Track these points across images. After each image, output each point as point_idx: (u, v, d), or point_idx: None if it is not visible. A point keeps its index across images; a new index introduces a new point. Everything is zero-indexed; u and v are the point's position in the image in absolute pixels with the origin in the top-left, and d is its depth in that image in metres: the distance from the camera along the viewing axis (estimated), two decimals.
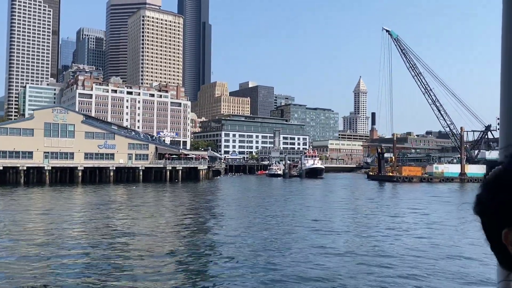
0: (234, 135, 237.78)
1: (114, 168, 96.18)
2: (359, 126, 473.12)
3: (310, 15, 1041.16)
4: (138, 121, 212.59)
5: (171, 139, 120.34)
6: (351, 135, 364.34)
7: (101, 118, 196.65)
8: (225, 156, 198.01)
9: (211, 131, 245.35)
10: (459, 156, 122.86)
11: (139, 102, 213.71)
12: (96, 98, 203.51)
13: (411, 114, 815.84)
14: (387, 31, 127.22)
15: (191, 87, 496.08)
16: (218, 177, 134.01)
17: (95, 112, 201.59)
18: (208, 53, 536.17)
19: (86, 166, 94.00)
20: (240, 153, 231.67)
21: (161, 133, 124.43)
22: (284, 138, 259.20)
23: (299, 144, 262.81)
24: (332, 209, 48.56)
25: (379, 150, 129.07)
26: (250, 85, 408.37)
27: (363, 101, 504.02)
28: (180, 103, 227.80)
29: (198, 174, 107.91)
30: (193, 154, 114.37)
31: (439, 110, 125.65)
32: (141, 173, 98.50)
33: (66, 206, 47.41)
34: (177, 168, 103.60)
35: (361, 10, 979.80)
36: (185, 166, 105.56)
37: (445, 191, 79.05)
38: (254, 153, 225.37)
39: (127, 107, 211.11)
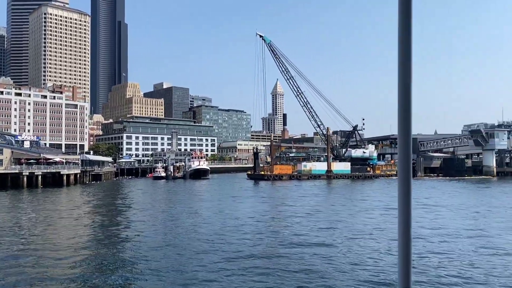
0: (137, 138, 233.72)
1: None
2: (276, 127, 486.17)
3: (228, 17, 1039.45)
4: (29, 124, 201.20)
5: (31, 141, 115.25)
6: (265, 136, 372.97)
7: None
8: (118, 159, 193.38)
9: (113, 133, 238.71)
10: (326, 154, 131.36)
11: (29, 104, 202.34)
12: None
13: (326, 114, 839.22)
14: (260, 36, 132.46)
15: (105, 87, 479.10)
16: (97, 182, 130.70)
17: None
18: (124, 53, 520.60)
19: None
20: (144, 155, 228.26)
21: (19, 136, 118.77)
22: (191, 139, 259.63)
23: (207, 145, 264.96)
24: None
25: (255, 150, 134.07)
26: (164, 86, 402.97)
27: (280, 103, 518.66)
28: (77, 105, 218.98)
29: (62, 180, 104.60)
30: (59, 158, 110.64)
31: (310, 112, 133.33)
32: None
33: None
34: (35, 173, 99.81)
35: (278, 17, 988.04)
36: (45, 171, 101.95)
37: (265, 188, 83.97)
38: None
39: (15, 109, 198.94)
